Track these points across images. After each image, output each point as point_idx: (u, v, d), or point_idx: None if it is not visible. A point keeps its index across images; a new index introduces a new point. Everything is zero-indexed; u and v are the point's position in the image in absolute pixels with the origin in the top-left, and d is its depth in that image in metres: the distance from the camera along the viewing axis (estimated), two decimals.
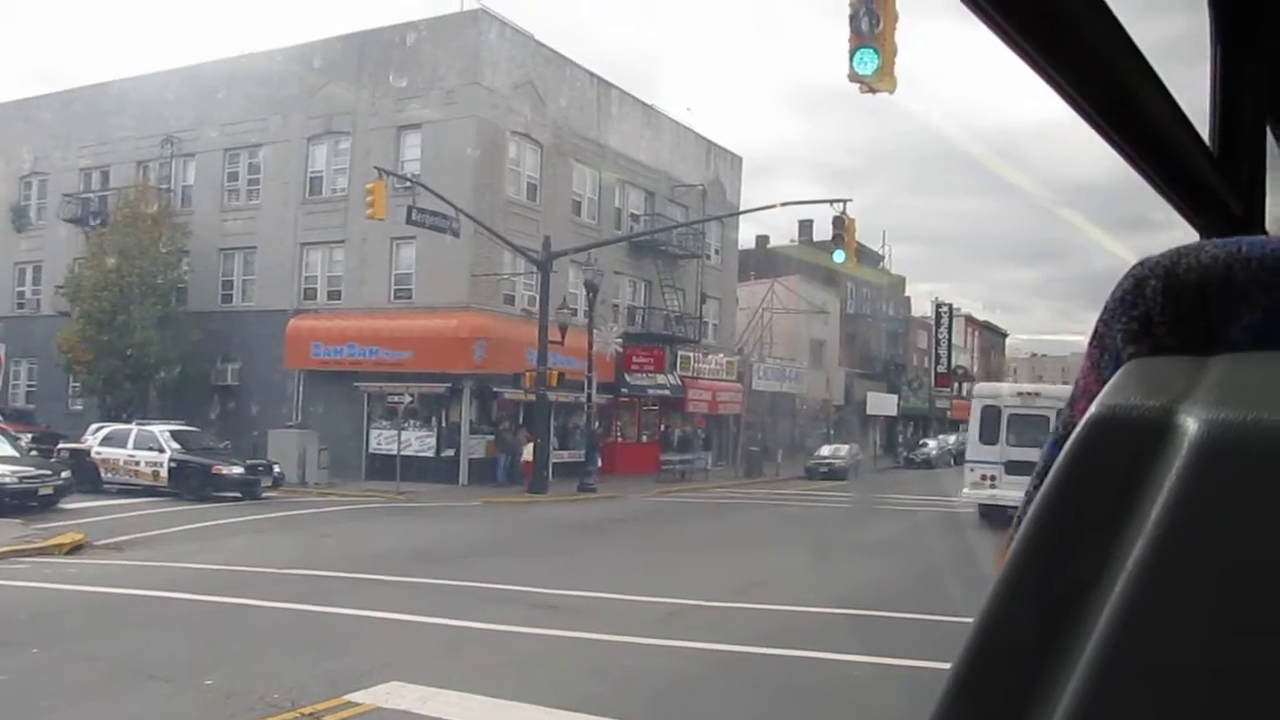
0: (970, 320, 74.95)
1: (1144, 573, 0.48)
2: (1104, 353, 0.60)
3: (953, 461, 50.74)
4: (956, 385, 67.72)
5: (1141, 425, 0.52)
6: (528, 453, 29.61)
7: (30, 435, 28.10)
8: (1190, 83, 1.29)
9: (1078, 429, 0.54)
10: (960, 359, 68.09)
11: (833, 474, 39.12)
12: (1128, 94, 1.06)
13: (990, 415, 21.67)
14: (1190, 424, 0.50)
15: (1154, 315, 0.58)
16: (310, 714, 7.42)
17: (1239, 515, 0.47)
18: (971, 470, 21.90)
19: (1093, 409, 0.54)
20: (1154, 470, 0.50)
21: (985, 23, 0.88)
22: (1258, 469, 0.47)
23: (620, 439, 38.30)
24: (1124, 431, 0.52)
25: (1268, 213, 1.45)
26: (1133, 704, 0.46)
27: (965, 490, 21.85)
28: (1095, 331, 0.61)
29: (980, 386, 28.40)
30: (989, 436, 21.45)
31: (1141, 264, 0.59)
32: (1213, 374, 0.52)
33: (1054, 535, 0.53)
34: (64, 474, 21.78)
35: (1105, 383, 0.57)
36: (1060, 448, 0.55)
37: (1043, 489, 0.55)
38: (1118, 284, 0.60)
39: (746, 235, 53.08)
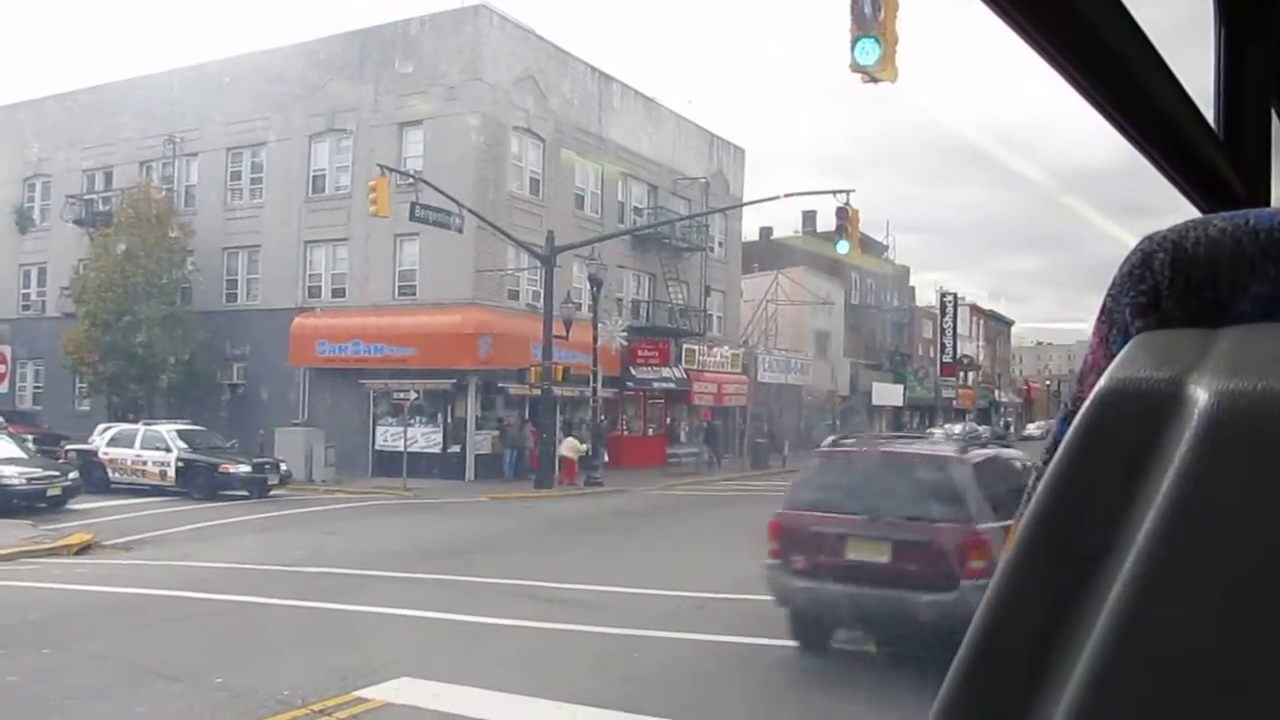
0: (975, 309, 74.88)
1: (1156, 543, 0.47)
2: (1112, 327, 0.60)
3: None
4: (962, 374, 67.76)
5: (1151, 396, 0.51)
6: (566, 448, 29.47)
7: (32, 436, 28.17)
8: (1195, 66, 1.29)
9: (1087, 402, 0.54)
10: (965, 348, 68.04)
11: None
12: (1133, 77, 1.06)
13: None
14: (1200, 394, 0.49)
15: (1162, 288, 0.57)
16: (320, 710, 7.44)
17: (1250, 483, 0.46)
18: None
19: (1102, 381, 0.54)
20: (1165, 441, 0.49)
21: (990, 6, 0.87)
22: (1269, 437, 0.47)
23: (626, 432, 38.30)
24: (1134, 403, 0.52)
25: (1273, 195, 1.45)
26: (1145, 679, 0.46)
27: None
28: (1103, 307, 0.61)
29: None
30: None
31: (1149, 238, 0.59)
32: (1222, 345, 0.52)
33: (1064, 508, 0.52)
34: (71, 475, 21.81)
35: (1114, 357, 0.55)
36: (1069, 423, 0.55)
37: (1053, 463, 0.54)
38: (1125, 258, 0.59)
39: (750, 227, 53.02)
